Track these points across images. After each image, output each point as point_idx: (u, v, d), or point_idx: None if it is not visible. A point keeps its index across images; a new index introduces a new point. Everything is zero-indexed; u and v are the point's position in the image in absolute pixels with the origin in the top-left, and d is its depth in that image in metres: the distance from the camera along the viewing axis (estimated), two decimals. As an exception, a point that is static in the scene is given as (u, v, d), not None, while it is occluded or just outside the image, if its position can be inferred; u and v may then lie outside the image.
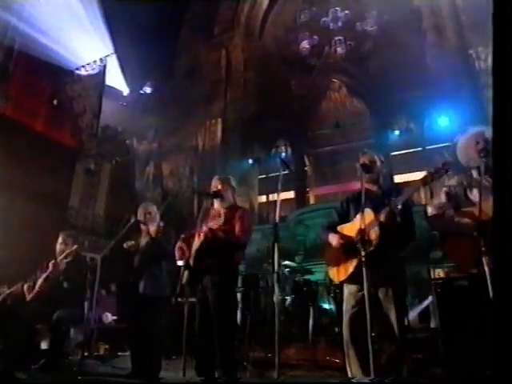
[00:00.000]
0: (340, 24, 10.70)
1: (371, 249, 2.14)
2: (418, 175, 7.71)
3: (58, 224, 5.66)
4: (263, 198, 9.49)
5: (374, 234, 2.18)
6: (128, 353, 4.91)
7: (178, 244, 2.90)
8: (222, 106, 9.80)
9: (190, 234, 3.07)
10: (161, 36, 9.36)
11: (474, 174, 2.22)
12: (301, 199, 9.05)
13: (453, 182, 2.34)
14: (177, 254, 2.90)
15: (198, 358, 2.69)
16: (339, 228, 2.47)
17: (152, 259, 3.45)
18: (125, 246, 3.43)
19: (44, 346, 3.37)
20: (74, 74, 7.02)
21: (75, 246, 3.35)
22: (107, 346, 4.85)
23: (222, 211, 2.88)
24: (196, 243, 2.59)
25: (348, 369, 2.29)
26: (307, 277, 5.14)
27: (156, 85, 9.68)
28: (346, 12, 10.63)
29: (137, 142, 8.41)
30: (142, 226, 3.60)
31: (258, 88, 10.21)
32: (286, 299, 5.10)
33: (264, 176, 9.44)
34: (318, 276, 5.28)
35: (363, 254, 2.01)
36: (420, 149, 7.56)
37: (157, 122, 8.66)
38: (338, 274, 2.35)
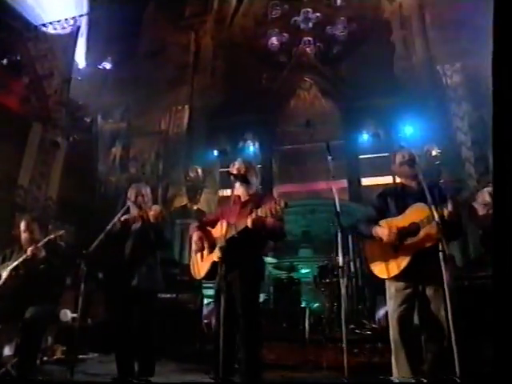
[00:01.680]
0: (310, 25, 10.78)
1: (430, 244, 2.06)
2: (383, 180, 8.03)
3: (5, 206, 4.72)
4: (227, 192, 9.16)
5: (433, 228, 2.09)
6: (91, 355, 4.39)
7: (197, 233, 2.54)
8: (189, 93, 9.26)
9: (206, 221, 2.74)
10: (127, 11, 8.53)
11: None
12: (266, 196, 8.90)
13: None
14: (194, 246, 2.53)
15: (217, 360, 2.37)
16: (385, 222, 2.35)
17: (147, 248, 3.02)
18: (122, 219, 2.94)
19: (8, 351, 2.73)
20: (38, 31, 5.90)
21: (61, 232, 2.78)
22: (64, 348, 4.23)
23: (246, 198, 2.61)
24: (232, 231, 2.26)
25: (394, 369, 2.18)
26: (291, 274, 5.00)
27: (117, 61, 8.78)
28: (318, 14, 10.75)
29: (102, 119, 7.50)
30: (134, 210, 3.16)
31: (227, 77, 9.84)
32: (267, 298, 4.92)
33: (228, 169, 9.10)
34: (301, 273, 5.17)
35: (441, 248, 1.90)
36: (386, 154, 7.86)
37: (125, 101, 7.83)
38: (388, 269, 2.22)
